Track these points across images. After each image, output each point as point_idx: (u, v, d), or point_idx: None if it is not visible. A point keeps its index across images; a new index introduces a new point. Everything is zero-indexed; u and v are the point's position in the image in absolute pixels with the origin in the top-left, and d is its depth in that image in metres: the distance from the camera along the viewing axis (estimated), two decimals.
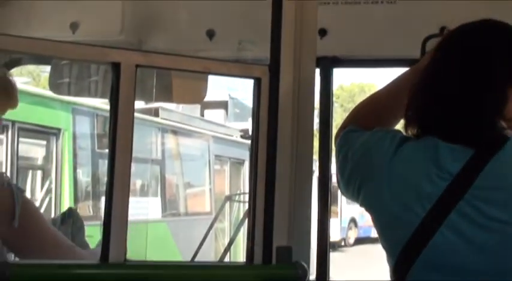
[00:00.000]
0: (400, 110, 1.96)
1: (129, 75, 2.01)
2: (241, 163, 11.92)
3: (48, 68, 3.82)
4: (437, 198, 1.61)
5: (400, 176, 1.69)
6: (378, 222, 1.77)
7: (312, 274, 2.69)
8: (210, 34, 3.31)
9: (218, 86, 15.06)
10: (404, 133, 1.78)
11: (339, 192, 1.97)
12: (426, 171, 1.64)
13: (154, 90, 3.49)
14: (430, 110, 1.69)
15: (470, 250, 1.58)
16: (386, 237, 1.75)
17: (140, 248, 6.79)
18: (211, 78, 3.43)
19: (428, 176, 1.64)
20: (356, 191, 1.81)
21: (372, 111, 2.01)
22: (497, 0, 2.87)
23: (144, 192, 9.49)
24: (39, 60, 3.95)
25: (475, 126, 1.62)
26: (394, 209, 1.69)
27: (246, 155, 11.10)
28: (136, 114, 2.05)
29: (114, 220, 1.99)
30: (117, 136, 2.01)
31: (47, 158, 8.26)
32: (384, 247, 1.76)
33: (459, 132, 1.64)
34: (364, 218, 18.87)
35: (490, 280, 1.58)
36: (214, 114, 14.15)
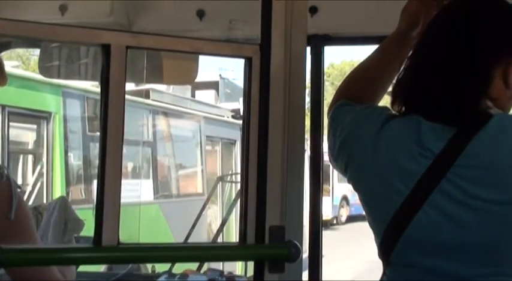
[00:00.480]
0: (387, 80, 1.96)
1: (119, 56, 2.00)
2: (232, 143, 11.91)
3: (37, 51, 3.80)
4: (420, 176, 1.61)
5: (383, 154, 1.69)
6: (363, 200, 1.78)
7: (305, 253, 2.70)
8: (200, 14, 3.28)
9: (209, 67, 15.04)
10: (391, 111, 1.78)
11: (331, 170, 1.98)
12: (409, 149, 1.64)
13: (145, 71, 3.47)
14: (415, 87, 1.69)
15: (453, 228, 1.58)
16: (372, 215, 1.76)
17: (133, 230, 6.80)
18: (201, 59, 3.41)
19: (410, 154, 1.64)
20: (344, 168, 1.81)
21: (360, 84, 2.01)
22: None
23: (136, 174, 9.48)
24: (29, 43, 3.93)
25: (458, 105, 1.62)
26: (378, 188, 1.69)
27: (237, 135, 11.10)
28: (127, 96, 2.04)
29: (107, 203, 1.98)
30: (108, 118, 2.00)
31: (38, 142, 8.23)
32: (370, 225, 1.77)
33: (442, 111, 1.63)
34: (356, 196, 18.92)
35: (473, 258, 1.58)
36: (205, 95, 14.11)
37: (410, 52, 1.79)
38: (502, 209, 1.55)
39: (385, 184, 1.67)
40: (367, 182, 1.74)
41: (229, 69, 16.84)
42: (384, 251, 1.70)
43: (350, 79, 2.06)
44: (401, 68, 1.76)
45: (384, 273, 1.74)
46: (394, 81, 1.79)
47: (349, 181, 1.83)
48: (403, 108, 1.72)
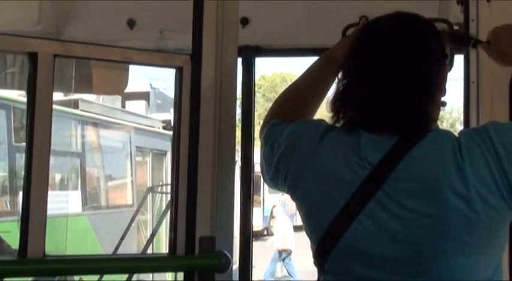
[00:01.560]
0: (318, 98, 1.98)
1: (46, 65, 1.96)
2: (163, 154, 11.82)
3: None
4: (357, 187, 1.63)
5: (322, 164, 1.71)
6: (302, 209, 1.79)
7: (236, 263, 2.70)
8: (131, 23, 3.26)
9: (139, 77, 14.88)
10: (328, 123, 1.79)
11: (262, 181, 1.96)
12: (347, 160, 1.66)
13: (73, 81, 3.42)
14: (357, 100, 1.70)
15: (386, 239, 1.60)
16: (309, 224, 1.77)
17: (60, 242, 6.66)
18: (132, 69, 3.38)
19: (349, 165, 1.66)
20: (283, 180, 1.81)
21: (292, 103, 2.02)
22: None
23: (63, 185, 9.30)
24: None
25: (399, 117, 1.64)
26: (317, 197, 1.71)
27: (168, 146, 11.00)
28: (54, 106, 2.00)
29: (33, 214, 1.94)
30: (34, 129, 1.96)
31: None
32: (307, 233, 1.78)
33: (381, 124, 1.66)
34: (287, 207, 19.07)
35: (403, 269, 1.61)
36: (136, 106, 13.96)
37: (345, 67, 1.78)
38: (429, 221, 1.58)
39: (324, 193, 1.69)
40: (306, 191, 1.74)
41: (160, 80, 16.70)
42: (319, 259, 1.71)
43: (282, 99, 2.07)
44: (339, 83, 1.76)
45: (318, 280, 1.76)
46: (332, 96, 1.79)
47: (288, 192, 1.83)
48: (345, 122, 1.73)
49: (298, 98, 2.02)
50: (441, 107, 1.75)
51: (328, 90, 1.97)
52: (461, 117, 2.62)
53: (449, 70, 1.82)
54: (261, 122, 2.05)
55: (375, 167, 1.63)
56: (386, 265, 1.61)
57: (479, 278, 1.59)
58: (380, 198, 1.61)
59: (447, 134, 1.66)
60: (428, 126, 1.65)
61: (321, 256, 1.70)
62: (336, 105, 1.75)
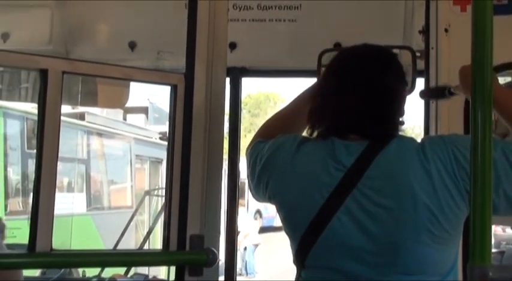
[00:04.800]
0: (300, 125, 1.97)
1: (56, 81, 1.96)
2: (159, 162, 11.80)
3: None
4: (334, 187, 1.65)
5: (302, 169, 1.72)
6: (282, 211, 1.79)
7: (222, 259, 2.69)
8: (132, 45, 3.27)
9: (139, 93, 14.88)
10: (305, 135, 1.81)
11: (246, 187, 1.96)
12: (324, 164, 1.68)
13: (80, 95, 3.42)
14: (329, 114, 1.72)
15: (362, 233, 1.62)
16: (290, 224, 1.77)
17: (66, 239, 6.61)
18: (132, 85, 3.39)
19: (326, 168, 1.67)
20: (265, 188, 1.82)
21: (277, 127, 2.03)
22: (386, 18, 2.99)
23: (70, 188, 9.27)
24: None
25: (366, 126, 1.67)
26: (297, 198, 1.71)
27: (164, 155, 10.92)
28: (62, 118, 2.00)
29: (41, 213, 1.93)
30: (44, 138, 1.96)
31: None
32: (287, 232, 1.78)
33: (352, 131, 1.68)
34: (268, 210, 19.06)
35: (376, 260, 1.62)
36: (136, 118, 13.97)
37: (319, 86, 1.80)
38: (399, 214, 1.59)
39: (304, 194, 1.69)
40: (286, 195, 1.75)
41: (157, 95, 16.71)
42: (301, 255, 1.71)
43: (268, 124, 2.06)
44: (315, 98, 1.77)
45: (299, 275, 1.75)
46: (309, 110, 1.80)
47: (269, 199, 1.82)
48: (320, 132, 1.74)
49: (282, 124, 2.02)
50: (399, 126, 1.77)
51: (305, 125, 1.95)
52: (422, 133, 2.64)
53: (410, 93, 1.84)
54: (247, 134, 2.06)
55: (349, 168, 1.65)
56: (363, 257, 1.62)
57: (441, 268, 1.61)
58: (355, 196, 1.62)
59: (410, 138, 1.71)
60: (393, 132, 1.68)
61: (303, 251, 1.70)
62: (312, 118, 1.77)
